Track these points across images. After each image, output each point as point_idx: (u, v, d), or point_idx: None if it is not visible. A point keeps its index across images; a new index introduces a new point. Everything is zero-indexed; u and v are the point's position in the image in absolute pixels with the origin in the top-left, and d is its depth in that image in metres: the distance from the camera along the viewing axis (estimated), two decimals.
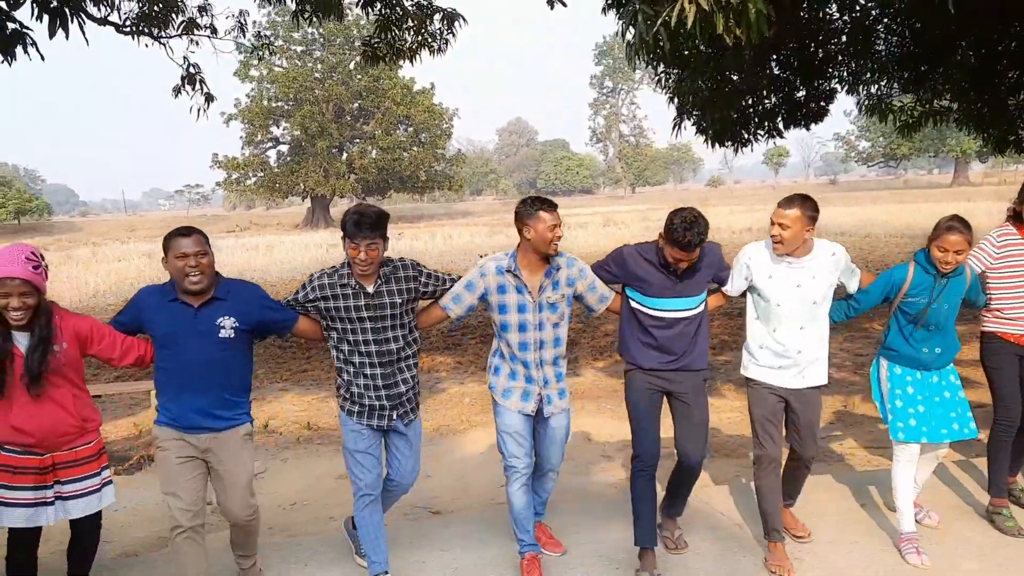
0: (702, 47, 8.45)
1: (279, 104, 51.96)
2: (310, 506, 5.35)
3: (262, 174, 52.16)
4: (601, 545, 4.13)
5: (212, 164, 51.20)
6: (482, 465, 6.10)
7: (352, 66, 53.21)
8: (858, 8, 9.28)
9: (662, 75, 9.75)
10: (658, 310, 3.76)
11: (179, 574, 3.49)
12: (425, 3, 9.50)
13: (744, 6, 3.52)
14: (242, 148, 53.12)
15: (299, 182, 50.73)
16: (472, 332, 11.68)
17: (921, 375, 4.00)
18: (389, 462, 3.85)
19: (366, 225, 3.47)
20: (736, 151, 10.37)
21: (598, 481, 5.66)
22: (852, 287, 4.00)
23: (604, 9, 8.66)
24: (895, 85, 10.08)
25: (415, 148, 53.54)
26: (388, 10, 9.35)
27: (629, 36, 4.09)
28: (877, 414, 5.71)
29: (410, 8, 9.45)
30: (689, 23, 3.45)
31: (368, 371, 3.68)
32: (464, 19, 9.73)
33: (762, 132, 10.15)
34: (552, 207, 3.66)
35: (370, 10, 9.31)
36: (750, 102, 9.91)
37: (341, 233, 3.57)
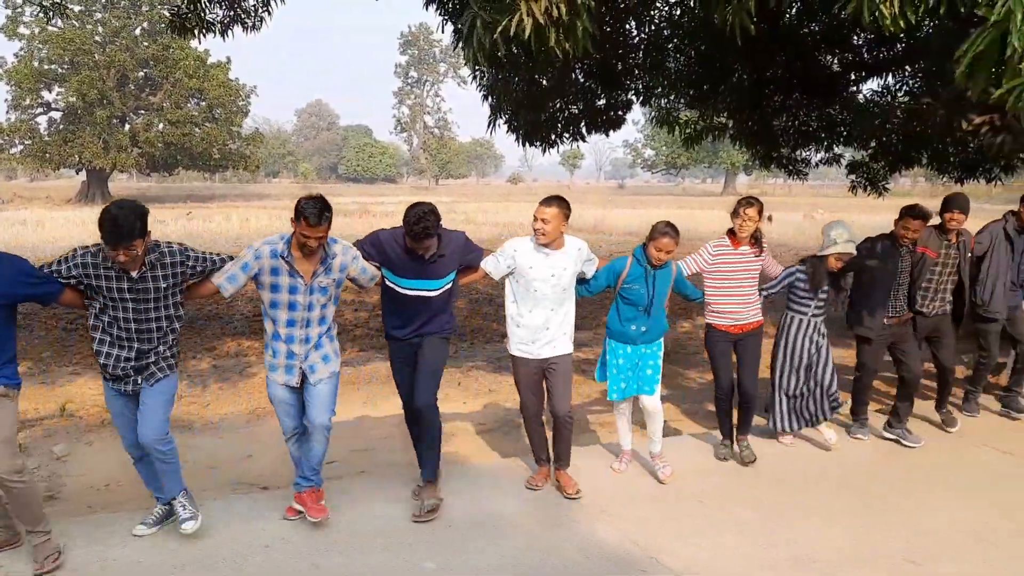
0: (515, 49, 8.93)
1: (52, 67, 46.87)
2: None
3: (30, 142, 46.75)
4: (380, 516, 4.39)
5: None
6: None
7: (138, 32, 49.13)
8: (653, 27, 10.25)
9: (477, 73, 10.16)
10: (406, 289, 4.32)
11: None
12: None
13: (573, 23, 3.97)
14: (7, 112, 47.33)
15: (74, 153, 45.98)
16: None
17: (631, 349, 4.88)
18: (138, 418, 3.86)
19: (119, 238, 3.51)
20: (544, 151, 11.05)
21: (380, 461, 5.80)
22: (589, 273, 4.85)
23: (426, 4, 8.92)
24: (682, 101, 11.21)
25: (208, 124, 50.29)
26: None
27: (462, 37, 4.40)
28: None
29: None
30: (526, 35, 3.83)
31: (126, 343, 3.76)
32: None
33: (567, 135, 10.87)
34: (316, 223, 3.90)
35: None
36: (558, 106, 10.60)
37: None
